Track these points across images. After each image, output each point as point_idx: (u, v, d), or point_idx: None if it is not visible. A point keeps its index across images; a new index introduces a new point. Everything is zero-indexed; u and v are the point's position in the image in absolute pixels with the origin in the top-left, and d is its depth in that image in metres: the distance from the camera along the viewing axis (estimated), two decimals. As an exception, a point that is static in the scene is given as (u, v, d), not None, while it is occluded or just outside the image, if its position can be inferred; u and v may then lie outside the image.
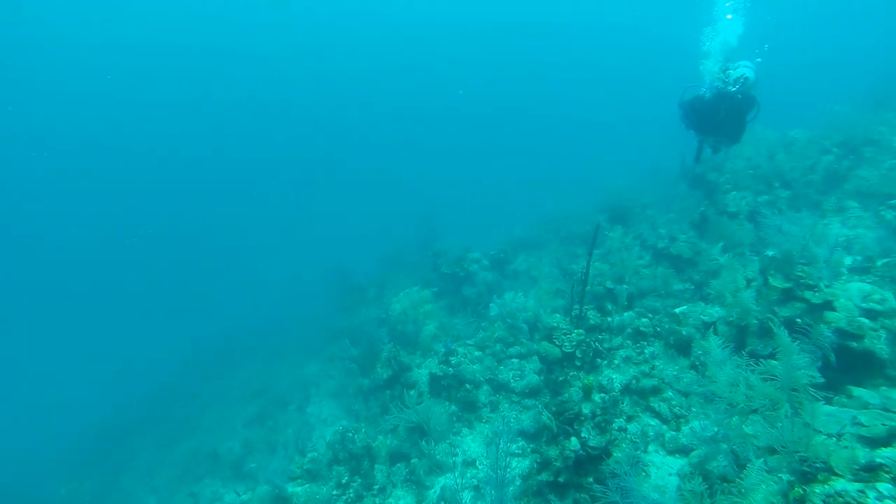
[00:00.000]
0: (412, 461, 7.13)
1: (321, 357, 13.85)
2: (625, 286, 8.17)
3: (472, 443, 7.39)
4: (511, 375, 8.14)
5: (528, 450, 6.71)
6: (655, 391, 6.06)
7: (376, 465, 7.36)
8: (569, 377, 6.81)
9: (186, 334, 23.81)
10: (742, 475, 3.79)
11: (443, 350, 8.77)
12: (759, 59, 8.04)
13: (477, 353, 8.78)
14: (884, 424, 4.07)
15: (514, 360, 8.57)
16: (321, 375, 13.10)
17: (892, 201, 8.10)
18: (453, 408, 7.94)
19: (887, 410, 4.51)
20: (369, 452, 7.52)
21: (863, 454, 3.33)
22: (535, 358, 7.72)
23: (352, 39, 49.49)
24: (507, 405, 7.87)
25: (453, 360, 8.53)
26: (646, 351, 6.59)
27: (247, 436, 12.22)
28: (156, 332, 28.42)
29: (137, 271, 40.47)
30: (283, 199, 46.54)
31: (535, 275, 12.53)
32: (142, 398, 19.01)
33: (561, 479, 5.38)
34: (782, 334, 3.85)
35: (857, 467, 3.24)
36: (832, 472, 3.32)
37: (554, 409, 6.01)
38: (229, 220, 44.81)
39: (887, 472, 3.13)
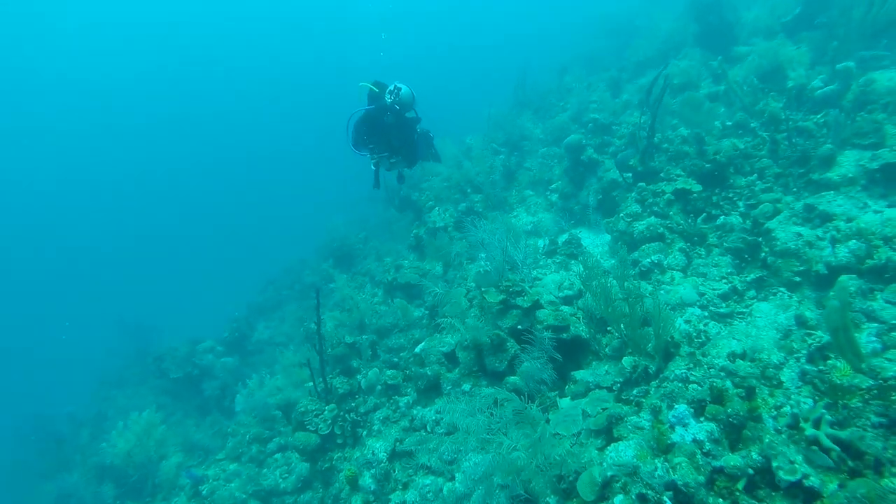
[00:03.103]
0: None
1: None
2: (365, 336, 7.83)
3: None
4: (278, 475, 7.10)
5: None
6: (421, 443, 5.81)
7: None
8: (334, 461, 6.17)
9: None
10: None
11: (188, 482, 7.28)
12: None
13: (233, 467, 7.52)
14: (603, 409, 4.42)
15: (278, 456, 7.53)
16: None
17: (553, 186, 9.42)
18: (218, 550, 6.64)
19: (599, 387, 5.00)
20: None
21: (598, 470, 3.43)
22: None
23: None
24: (282, 513, 6.85)
25: (205, 488, 7.15)
26: (401, 404, 6.31)
27: None
28: None
29: None
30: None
31: (282, 340, 11.53)
32: None
33: None
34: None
35: (597, 487, 3.32)
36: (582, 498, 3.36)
37: (326, 514, 5.34)
38: None
39: (617, 482, 3.27)
